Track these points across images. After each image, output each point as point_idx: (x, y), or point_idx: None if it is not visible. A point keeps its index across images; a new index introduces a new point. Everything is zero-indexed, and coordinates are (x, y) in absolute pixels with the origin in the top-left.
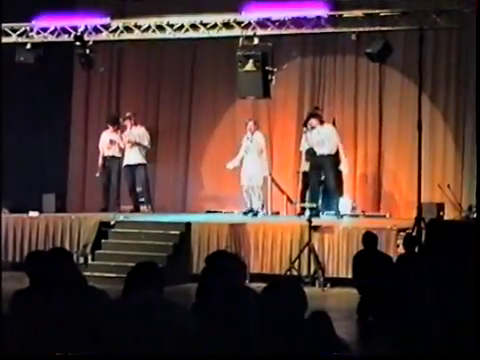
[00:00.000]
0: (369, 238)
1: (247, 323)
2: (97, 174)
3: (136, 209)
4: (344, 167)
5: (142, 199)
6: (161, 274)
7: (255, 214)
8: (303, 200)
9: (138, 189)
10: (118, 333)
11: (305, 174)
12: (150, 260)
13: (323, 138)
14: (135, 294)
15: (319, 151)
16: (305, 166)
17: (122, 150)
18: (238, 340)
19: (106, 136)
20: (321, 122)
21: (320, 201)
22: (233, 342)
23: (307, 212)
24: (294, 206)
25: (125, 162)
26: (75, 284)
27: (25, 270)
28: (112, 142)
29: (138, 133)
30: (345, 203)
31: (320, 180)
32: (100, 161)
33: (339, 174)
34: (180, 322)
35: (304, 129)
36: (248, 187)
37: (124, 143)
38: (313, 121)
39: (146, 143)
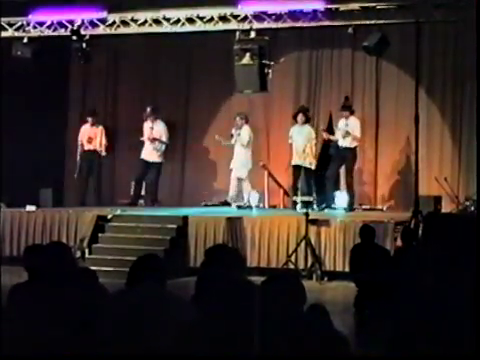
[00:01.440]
0: (366, 231)
1: (247, 316)
2: (75, 175)
3: (133, 203)
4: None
5: (143, 193)
6: (163, 267)
7: (249, 207)
8: (295, 193)
9: (144, 186)
10: (120, 327)
11: (295, 168)
12: (148, 253)
13: (348, 130)
14: (138, 287)
15: (342, 144)
16: (296, 160)
17: (102, 145)
18: (237, 333)
19: (85, 132)
20: (351, 112)
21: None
22: (232, 335)
23: (298, 206)
24: (291, 199)
25: (142, 155)
26: (74, 278)
27: (23, 264)
28: (90, 139)
29: (158, 129)
30: (342, 196)
31: (337, 173)
32: (78, 158)
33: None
34: (183, 315)
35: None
36: (235, 178)
37: (145, 138)
38: (345, 113)
39: (164, 139)
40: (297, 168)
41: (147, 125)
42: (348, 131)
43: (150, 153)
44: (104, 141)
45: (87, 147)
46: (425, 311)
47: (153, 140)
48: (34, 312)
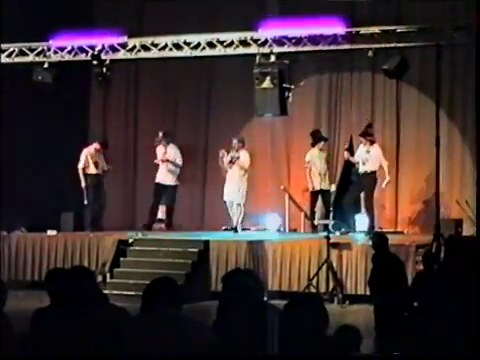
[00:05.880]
0: (380, 238)
1: (269, 340)
2: (85, 202)
3: (149, 227)
4: (385, 184)
5: (162, 218)
6: (179, 290)
7: (235, 230)
8: (313, 217)
9: (162, 209)
10: (138, 351)
11: (315, 192)
12: (162, 277)
13: (369, 157)
14: (153, 311)
15: (362, 169)
16: (317, 184)
17: (104, 170)
18: (259, 357)
19: (90, 156)
20: (371, 142)
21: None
22: (253, 357)
23: (319, 229)
24: (310, 223)
25: (157, 179)
26: (96, 302)
27: (46, 288)
28: (97, 163)
29: (171, 152)
30: (363, 220)
31: (356, 198)
32: (83, 183)
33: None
34: (200, 339)
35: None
36: (230, 203)
37: (158, 161)
38: (363, 139)
39: (178, 162)
40: (317, 192)
41: (160, 150)
42: (368, 158)
43: (165, 176)
44: (101, 162)
45: (92, 171)
46: (446, 334)
47: (166, 161)
48: (57, 336)
